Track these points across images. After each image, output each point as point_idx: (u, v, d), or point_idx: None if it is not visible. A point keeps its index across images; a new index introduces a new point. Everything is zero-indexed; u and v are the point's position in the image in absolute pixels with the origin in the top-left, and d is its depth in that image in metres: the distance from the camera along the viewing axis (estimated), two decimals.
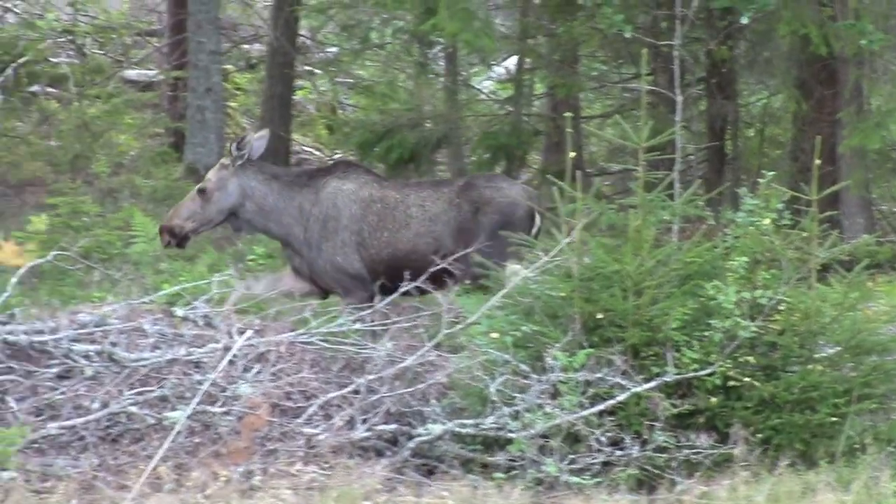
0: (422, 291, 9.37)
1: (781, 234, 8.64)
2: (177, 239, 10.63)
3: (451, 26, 13.50)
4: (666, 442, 8.07)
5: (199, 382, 8.11)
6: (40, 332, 8.32)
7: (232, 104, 19.14)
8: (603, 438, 8.05)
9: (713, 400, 8.21)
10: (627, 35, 13.65)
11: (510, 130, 16.15)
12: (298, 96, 19.44)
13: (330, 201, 10.56)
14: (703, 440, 8.14)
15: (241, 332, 8.53)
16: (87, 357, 8.22)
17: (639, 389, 8.12)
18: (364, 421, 8.20)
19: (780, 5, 13.65)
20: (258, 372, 8.34)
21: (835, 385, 8.31)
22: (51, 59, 19.18)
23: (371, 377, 8.37)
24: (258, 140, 10.76)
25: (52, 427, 7.89)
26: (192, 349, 8.39)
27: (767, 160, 16.52)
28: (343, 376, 8.51)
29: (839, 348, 8.46)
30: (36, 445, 7.81)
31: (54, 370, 8.18)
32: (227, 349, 8.34)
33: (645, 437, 8.09)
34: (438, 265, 9.61)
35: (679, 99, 13.40)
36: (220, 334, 8.55)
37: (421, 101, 16.94)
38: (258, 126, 16.36)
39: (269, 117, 17.23)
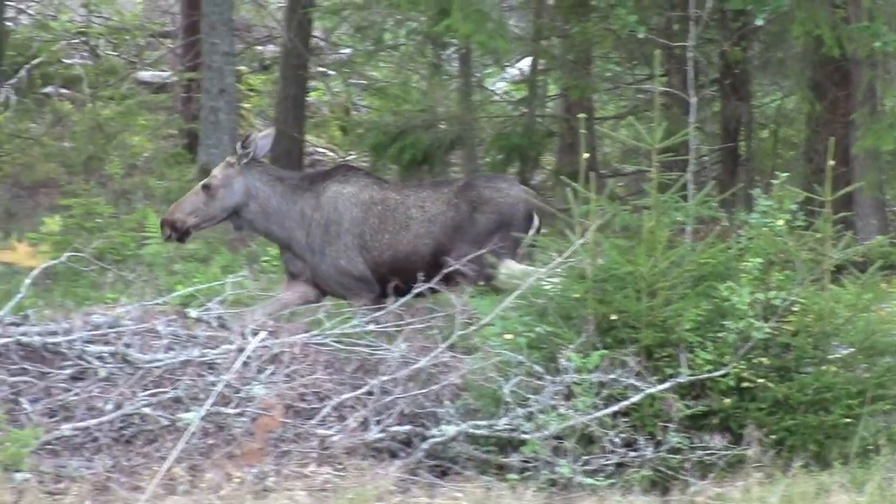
0: (433, 291, 9.39)
1: (795, 236, 8.63)
2: (178, 233, 10.58)
3: (465, 27, 13.49)
4: (679, 443, 8.05)
5: (213, 384, 8.10)
6: (54, 334, 8.32)
7: (245, 105, 19.14)
8: (617, 440, 8.03)
9: (727, 401, 8.20)
10: (641, 36, 13.63)
11: (524, 132, 16.15)
12: (312, 97, 19.44)
13: (331, 205, 10.52)
14: (717, 441, 8.12)
15: (255, 334, 8.54)
16: (100, 358, 8.22)
17: (652, 391, 8.10)
18: (378, 422, 8.19)
19: (793, 7, 13.62)
20: (272, 373, 8.34)
21: (848, 386, 8.29)
22: (64, 60, 19.26)
23: (385, 378, 8.36)
24: (263, 138, 10.74)
25: (66, 428, 7.89)
26: (205, 350, 8.39)
27: (781, 161, 16.50)
28: (357, 377, 8.51)
29: (853, 349, 8.43)
30: (49, 447, 7.81)
31: (68, 371, 8.17)
32: (240, 350, 8.35)
33: (659, 438, 8.07)
34: (451, 266, 9.62)
35: (693, 100, 13.39)
36: (233, 335, 8.56)
37: (434, 102, 16.91)
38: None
39: (282, 119, 17.24)
